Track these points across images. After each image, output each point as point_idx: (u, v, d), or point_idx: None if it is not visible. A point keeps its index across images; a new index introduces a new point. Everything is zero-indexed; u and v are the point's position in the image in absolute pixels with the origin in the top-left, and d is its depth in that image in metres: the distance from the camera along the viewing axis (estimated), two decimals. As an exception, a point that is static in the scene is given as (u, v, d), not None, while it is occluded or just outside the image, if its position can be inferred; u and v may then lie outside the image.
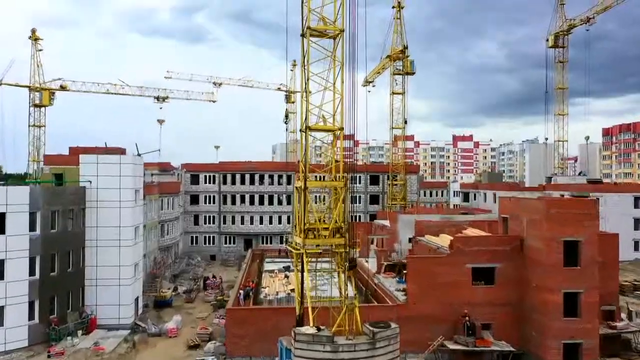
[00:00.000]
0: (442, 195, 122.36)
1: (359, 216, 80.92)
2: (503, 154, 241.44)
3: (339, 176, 27.72)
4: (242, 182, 79.91)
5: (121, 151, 45.19)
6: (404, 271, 41.18)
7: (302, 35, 29.27)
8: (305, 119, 28.22)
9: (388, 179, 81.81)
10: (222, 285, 56.12)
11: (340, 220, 27.14)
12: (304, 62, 30.06)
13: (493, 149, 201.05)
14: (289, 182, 79.34)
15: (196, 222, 79.80)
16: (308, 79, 30.01)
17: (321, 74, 30.92)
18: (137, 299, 43.67)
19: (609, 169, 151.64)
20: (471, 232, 42.88)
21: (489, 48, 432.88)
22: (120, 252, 41.41)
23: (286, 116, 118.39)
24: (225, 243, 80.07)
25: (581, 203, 34.90)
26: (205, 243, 79.71)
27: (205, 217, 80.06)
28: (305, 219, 27.10)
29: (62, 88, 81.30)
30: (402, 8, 78.91)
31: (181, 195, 74.00)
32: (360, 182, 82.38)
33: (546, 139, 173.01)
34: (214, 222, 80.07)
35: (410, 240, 51.36)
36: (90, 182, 41.10)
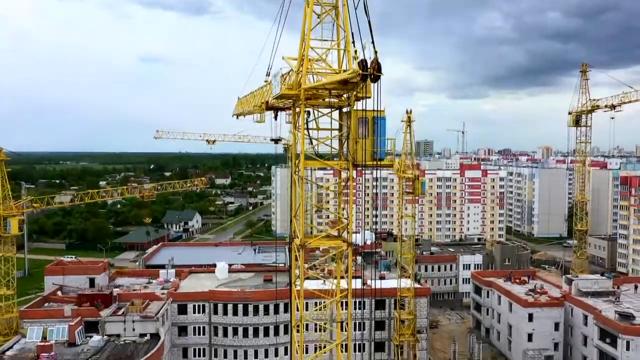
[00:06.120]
0: (450, 270, 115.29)
1: (363, 345, 73.89)
2: (511, 174, 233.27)
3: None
4: (235, 312, 72.61)
5: None
6: None
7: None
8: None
9: (395, 306, 74.31)
10: None
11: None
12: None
13: (502, 179, 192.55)
14: (285, 310, 72.20)
15: (185, 356, 72.83)
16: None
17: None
18: None
19: (626, 220, 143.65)
20: None
21: (494, 19, 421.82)
22: None
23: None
24: (218, 380, 73.27)
25: None
26: (195, 380, 72.95)
27: (194, 349, 73.01)
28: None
29: (34, 207, 73.32)
30: (413, 122, 70.12)
31: (166, 342, 66.85)
32: (364, 307, 74.99)
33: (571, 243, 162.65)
34: (204, 355, 73.10)
35: None
36: None
